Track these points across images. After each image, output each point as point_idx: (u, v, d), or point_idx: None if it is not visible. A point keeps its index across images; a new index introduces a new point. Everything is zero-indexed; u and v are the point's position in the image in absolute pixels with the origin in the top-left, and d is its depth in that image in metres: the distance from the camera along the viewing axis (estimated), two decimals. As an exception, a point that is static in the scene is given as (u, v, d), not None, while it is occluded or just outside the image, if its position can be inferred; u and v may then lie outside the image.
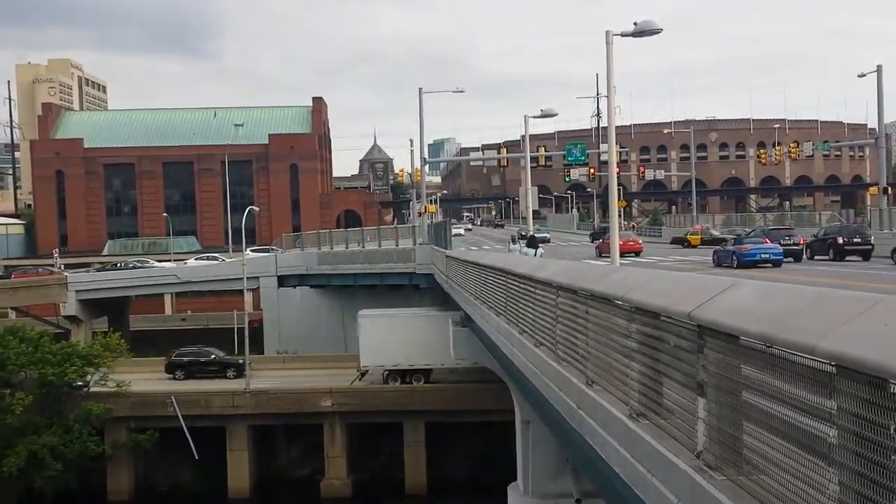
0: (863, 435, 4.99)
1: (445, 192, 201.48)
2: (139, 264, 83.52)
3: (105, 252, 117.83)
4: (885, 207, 61.72)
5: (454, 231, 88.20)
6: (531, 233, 47.30)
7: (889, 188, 69.95)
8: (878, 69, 62.03)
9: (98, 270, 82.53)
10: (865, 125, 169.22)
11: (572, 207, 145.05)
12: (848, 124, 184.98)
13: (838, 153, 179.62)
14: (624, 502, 9.94)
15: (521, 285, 17.82)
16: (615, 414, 10.08)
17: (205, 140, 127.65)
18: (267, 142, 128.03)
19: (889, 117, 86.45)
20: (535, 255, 36.64)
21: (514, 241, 42.96)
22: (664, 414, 8.76)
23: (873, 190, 71.15)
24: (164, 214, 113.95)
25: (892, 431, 4.76)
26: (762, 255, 39.61)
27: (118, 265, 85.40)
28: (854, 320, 5.40)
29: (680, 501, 7.59)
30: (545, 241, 74.29)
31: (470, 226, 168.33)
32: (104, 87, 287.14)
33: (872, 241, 45.33)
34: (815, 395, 5.55)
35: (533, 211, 59.53)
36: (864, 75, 65.09)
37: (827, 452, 5.39)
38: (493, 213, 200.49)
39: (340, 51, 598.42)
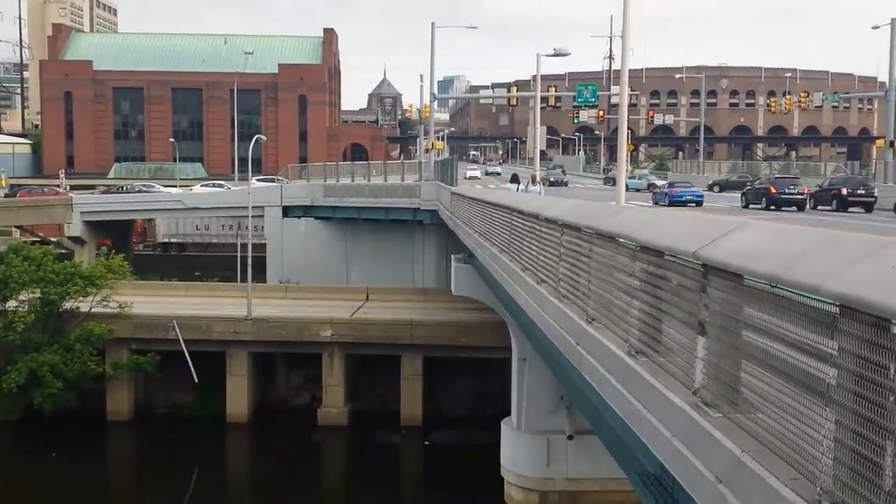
0: (863, 375, 5.02)
1: (453, 129, 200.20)
2: (145, 188, 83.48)
3: (111, 175, 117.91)
4: (890, 160, 61.45)
5: (469, 174, 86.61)
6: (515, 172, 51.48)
7: (896, 142, 69.47)
8: (893, 22, 61.21)
9: (103, 193, 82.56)
10: (876, 78, 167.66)
11: (579, 150, 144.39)
12: (858, 77, 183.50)
13: (847, 105, 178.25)
14: (617, 437, 10.07)
15: (527, 223, 17.83)
16: (614, 351, 10.15)
17: (214, 67, 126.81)
18: (276, 71, 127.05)
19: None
20: (517, 190, 42.64)
21: (533, 181, 43.96)
22: (663, 352, 8.82)
23: (880, 143, 70.73)
24: (171, 140, 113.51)
25: (892, 372, 4.79)
26: (687, 197, 49.67)
27: (124, 188, 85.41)
28: (861, 262, 5.39)
29: (675, 437, 7.67)
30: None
31: (499, 168, 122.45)
32: (114, 10, 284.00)
33: (876, 194, 45.50)
34: (817, 335, 5.57)
35: (540, 151, 59.17)
36: (878, 27, 64.39)
37: (825, 392, 5.43)
38: (500, 152, 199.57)
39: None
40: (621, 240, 10.47)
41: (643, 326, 9.42)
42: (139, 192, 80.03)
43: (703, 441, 6.99)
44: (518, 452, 27.75)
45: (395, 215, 56.61)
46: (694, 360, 7.70)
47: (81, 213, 66.98)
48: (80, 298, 42.92)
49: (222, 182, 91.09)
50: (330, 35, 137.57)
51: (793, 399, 5.85)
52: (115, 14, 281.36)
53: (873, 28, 65.05)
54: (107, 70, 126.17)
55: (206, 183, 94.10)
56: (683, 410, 7.53)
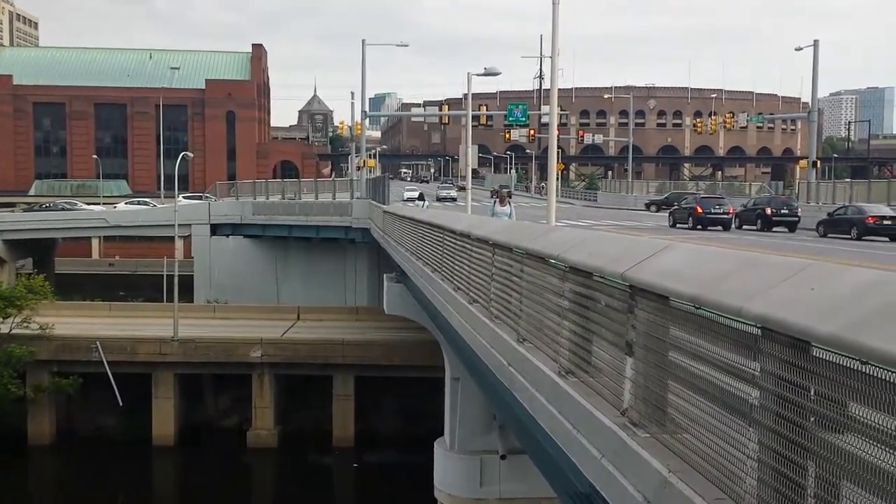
0: (783, 396, 5.11)
1: (385, 147, 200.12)
2: (67, 206, 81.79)
3: (32, 192, 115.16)
4: (813, 181, 63.12)
5: (407, 194, 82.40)
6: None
7: (818, 162, 71.41)
8: (815, 44, 62.87)
9: (24, 211, 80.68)
10: (799, 99, 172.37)
11: (510, 168, 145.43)
12: (782, 97, 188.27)
13: (771, 126, 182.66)
14: (548, 457, 10.10)
15: (459, 242, 17.85)
16: (544, 371, 10.18)
17: (139, 82, 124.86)
18: (203, 87, 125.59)
19: (821, 93, 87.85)
20: (424, 206, 45.24)
21: (502, 201, 38.09)
22: (592, 372, 8.87)
23: (803, 163, 72.55)
24: (95, 157, 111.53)
25: (811, 393, 4.88)
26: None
27: (45, 206, 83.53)
28: (781, 284, 5.49)
29: (603, 457, 7.72)
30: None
31: (454, 192, 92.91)
32: (35, 24, 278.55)
33: (799, 213, 46.67)
34: (740, 356, 5.65)
35: (472, 170, 59.48)
36: (801, 49, 66.05)
37: (748, 412, 5.51)
38: (432, 170, 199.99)
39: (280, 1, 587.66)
40: (552, 260, 10.52)
41: (573, 347, 9.48)
42: (62, 209, 78.38)
43: (631, 461, 7.04)
44: (451, 473, 27.66)
45: (327, 234, 56.29)
46: (622, 380, 7.76)
47: (1, 231, 65.33)
48: (0, 320, 41.83)
49: (147, 200, 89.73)
50: (259, 51, 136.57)
51: (717, 419, 5.92)
52: (35, 28, 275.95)
53: (797, 50, 66.68)
54: (27, 84, 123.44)
55: (130, 200, 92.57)
56: (612, 430, 7.58)
